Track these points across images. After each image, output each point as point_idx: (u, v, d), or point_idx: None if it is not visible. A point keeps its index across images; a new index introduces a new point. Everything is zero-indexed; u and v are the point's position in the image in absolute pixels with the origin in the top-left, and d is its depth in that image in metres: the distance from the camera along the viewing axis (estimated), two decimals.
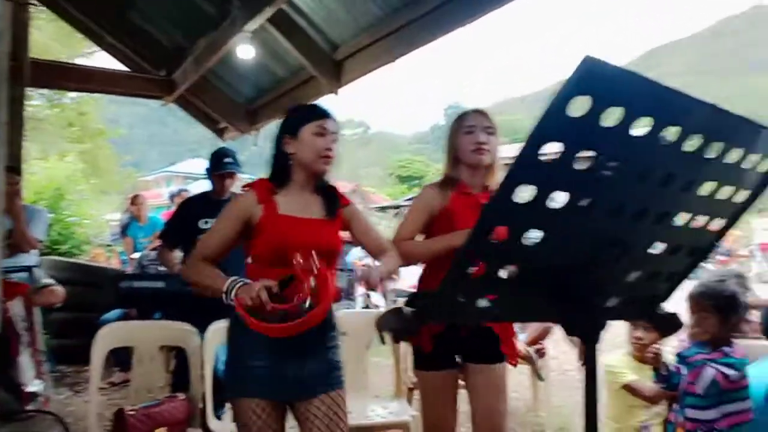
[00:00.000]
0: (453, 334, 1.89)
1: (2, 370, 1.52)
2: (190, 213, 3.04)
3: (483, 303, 0.85)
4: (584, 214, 0.74)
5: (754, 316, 3.49)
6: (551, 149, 0.64)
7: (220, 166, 2.98)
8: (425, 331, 1.91)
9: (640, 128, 0.64)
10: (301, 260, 1.46)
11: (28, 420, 1.57)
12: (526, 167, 0.64)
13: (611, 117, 0.61)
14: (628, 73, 0.60)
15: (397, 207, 19.77)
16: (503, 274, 0.80)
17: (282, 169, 1.67)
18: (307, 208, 1.67)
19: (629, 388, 2.24)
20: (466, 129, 1.94)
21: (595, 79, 0.58)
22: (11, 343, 1.51)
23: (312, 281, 1.44)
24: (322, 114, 1.66)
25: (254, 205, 1.61)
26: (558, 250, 0.78)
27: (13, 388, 1.53)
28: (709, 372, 1.80)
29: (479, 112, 1.98)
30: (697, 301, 1.93)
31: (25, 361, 1.59)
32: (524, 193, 0.66)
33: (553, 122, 0.60)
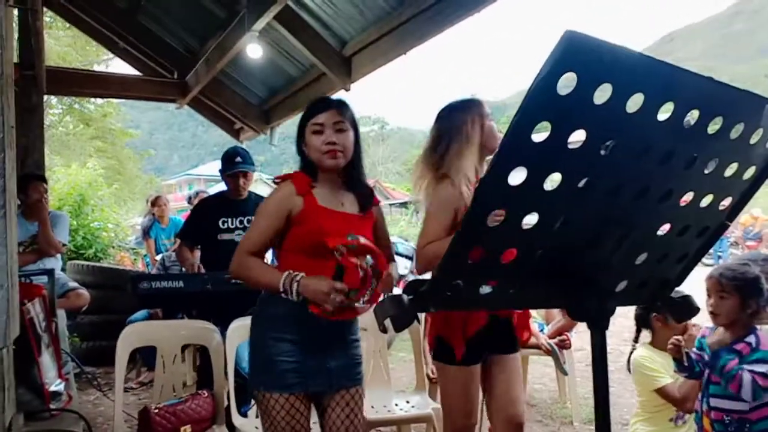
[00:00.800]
0: (485, 331, 1.84)
1: (25, 371, 1.56)
2: (209, 212, 3.07)
3: (485, 289, 0.84)
4: (581, 195, 0.72)
5: None
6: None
7: (231, 166, 2.99)
8: (459, 333, 1.84)
9: (632, 105, 0.62)
10: (345, 251, 1.52)
11: (52, 418, 1.62)
12: (513, 149, 0.62)
13: (598, 94, 0.59)
14: (613, 46, 0.58)
15: (417, 202, 19.62)
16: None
17: (309, 167, 1.69)
18: (340, 202, 1.69)
19: (662, 393, 2.19)
20: (490, 117, 1.94)
21: (578, 53, 0.56)
22: (32, 344, 1.55)
23: (366, 262, 1.54)
24: (318, 109, 1.66)
25: (294, 196, 1.62)
26: (556, 232, 0.76)
27: (36, 388, 1.57)
28: (747, 377, 1.78)
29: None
30: (716, 281, 1.88)
31: (46, 361, 1.63)
32: (516, 176, 0.65)
33: (538, 102, 0.58)
